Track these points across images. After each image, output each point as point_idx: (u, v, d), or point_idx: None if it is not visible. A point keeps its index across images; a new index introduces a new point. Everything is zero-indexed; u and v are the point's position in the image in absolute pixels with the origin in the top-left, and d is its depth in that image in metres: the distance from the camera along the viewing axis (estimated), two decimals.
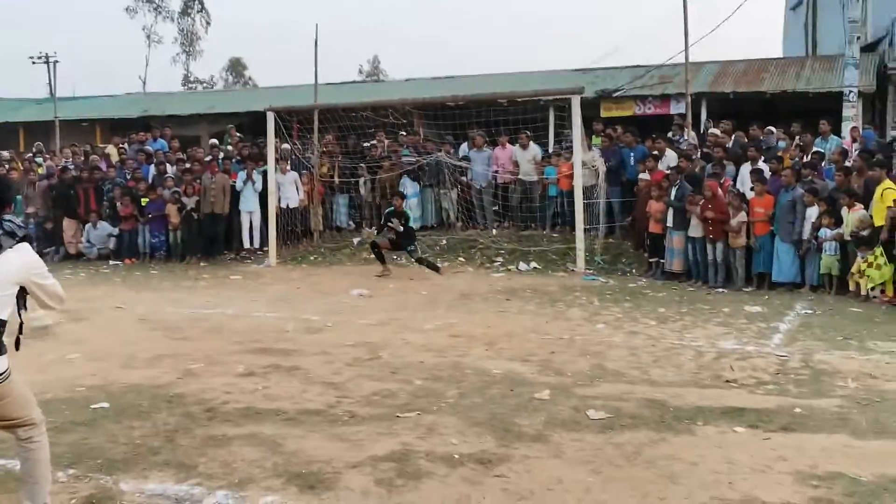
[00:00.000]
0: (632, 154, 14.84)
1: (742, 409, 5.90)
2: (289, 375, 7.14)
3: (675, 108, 19.42)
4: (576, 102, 13.68)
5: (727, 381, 6.91)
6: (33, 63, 42.67)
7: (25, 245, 3.91)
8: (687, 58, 15.77)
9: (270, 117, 15.56)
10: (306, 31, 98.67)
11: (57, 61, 39.03)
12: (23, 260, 3.88)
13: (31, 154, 19.35)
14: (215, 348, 8.31)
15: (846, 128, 15.25)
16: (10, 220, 3.85)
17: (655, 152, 14.17)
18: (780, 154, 13.29)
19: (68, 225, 16.80)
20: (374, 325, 9.62)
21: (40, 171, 17.79)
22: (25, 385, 4.10)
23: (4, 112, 27.29)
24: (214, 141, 19.22)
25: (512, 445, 5.17)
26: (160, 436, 5.40)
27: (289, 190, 16.10)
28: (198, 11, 60.17)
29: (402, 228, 13.72)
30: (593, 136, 15.96)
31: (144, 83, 53.20)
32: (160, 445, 5.21)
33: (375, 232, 14.81)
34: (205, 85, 61.07)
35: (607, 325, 9.63)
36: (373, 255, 14.15)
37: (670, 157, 13.94)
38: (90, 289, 12.81)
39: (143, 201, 16.32)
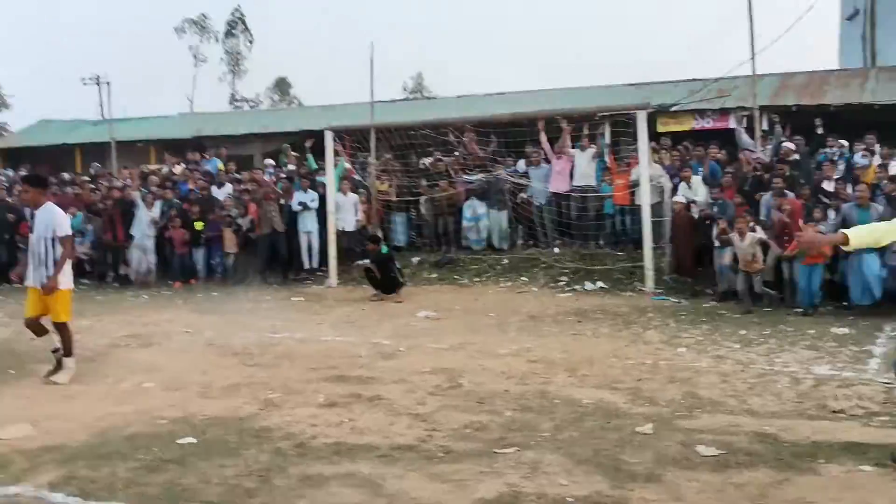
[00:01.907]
0: (700, 169, 14.48)
1: (863, 445, 5.50)
2: (372, 406, 6.90)
3: (735, 122, 18.99)
4: (642, 117, 13.37)
5: (833, 411, 6.55)
6: (84, 84, 43.57)
7: None
8: (754, 68, 15.30)
9: (329, 136, 15.43)
10: (346, 50, 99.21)
11: (108, 82, 39.64)
12: None
13: (89, 176, 19.52)
14: (291, 376, 8.10)
15: None
16: None
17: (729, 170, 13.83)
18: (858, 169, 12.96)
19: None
20: (448, 350, 9.37)
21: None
22: None
23: (60, 133, 27.59)
24: (270, 161, 19.16)
25: (626, 486, 4.86)
26: (253, 476, 5.16)
27: (347, 212, 15.94)
28: (241, 31, 60.96)
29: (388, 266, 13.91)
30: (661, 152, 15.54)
31: (192, 102, 53.90)
32: (256, 487, 4.97)
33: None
34: (251, 103, 61.67)
35: (689, 348, 9.29)
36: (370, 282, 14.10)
37: None
38: (154, 312, 12.75)
39: (199, 225, 16.27)
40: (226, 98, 62.01)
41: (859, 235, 5.35)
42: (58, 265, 7.83)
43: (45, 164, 24.81)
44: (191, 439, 5.93)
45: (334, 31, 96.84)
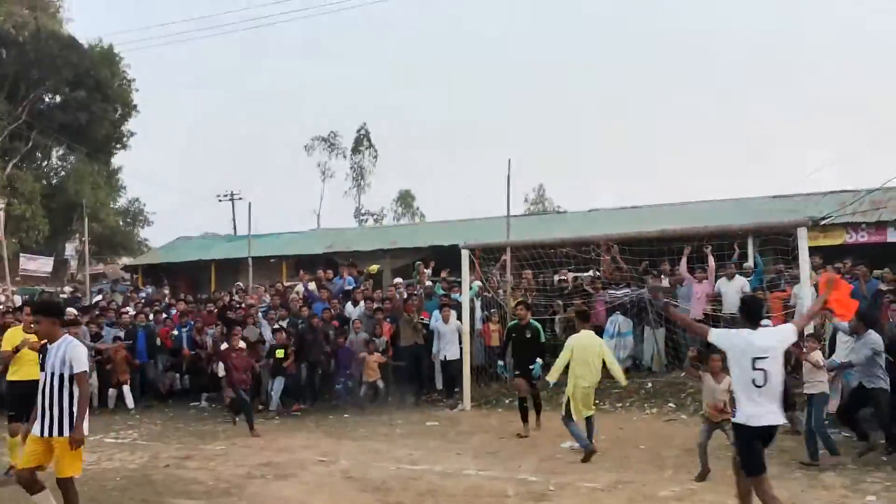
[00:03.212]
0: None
1: None
2: None
3: (894, 236, 17.83)
4: (802, 234, 12.47)
5: None
6: (220, 201, 45.42)
7: None
8: None
9: (465, 255, 15.06)
10: (467, 163, 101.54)
11: (240, 198, 41.23)
12: None
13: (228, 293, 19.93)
14: None
15: None
16: None
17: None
18: None
19: None
20: (603, 491, 8.58)
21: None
22: None
23: (198, 250, 28.62)
24: (399, 280, 19.08)
25: None
26: None
27: (449, 342, 15.02)
28: (366, 148, 62.81)
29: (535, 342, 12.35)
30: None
31: (319, 216, 55.45)
32: None
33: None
34: (375, 216, 62.98)
35: (879, 497, 8.21)
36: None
37: None
38: (287, 436, 12.42)
39: (279, 353, 15.21)
40: (351, 211, 63.52)
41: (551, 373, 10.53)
42: (80, 408, 6.77)
43: (182, 279, 25.66)
44: None
45: (453, 145, 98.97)
